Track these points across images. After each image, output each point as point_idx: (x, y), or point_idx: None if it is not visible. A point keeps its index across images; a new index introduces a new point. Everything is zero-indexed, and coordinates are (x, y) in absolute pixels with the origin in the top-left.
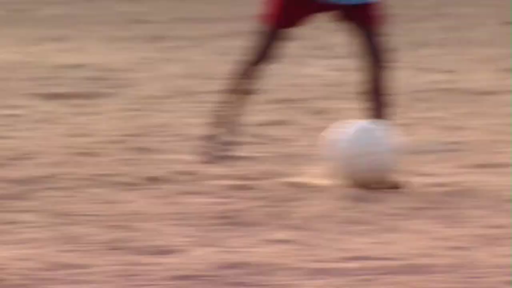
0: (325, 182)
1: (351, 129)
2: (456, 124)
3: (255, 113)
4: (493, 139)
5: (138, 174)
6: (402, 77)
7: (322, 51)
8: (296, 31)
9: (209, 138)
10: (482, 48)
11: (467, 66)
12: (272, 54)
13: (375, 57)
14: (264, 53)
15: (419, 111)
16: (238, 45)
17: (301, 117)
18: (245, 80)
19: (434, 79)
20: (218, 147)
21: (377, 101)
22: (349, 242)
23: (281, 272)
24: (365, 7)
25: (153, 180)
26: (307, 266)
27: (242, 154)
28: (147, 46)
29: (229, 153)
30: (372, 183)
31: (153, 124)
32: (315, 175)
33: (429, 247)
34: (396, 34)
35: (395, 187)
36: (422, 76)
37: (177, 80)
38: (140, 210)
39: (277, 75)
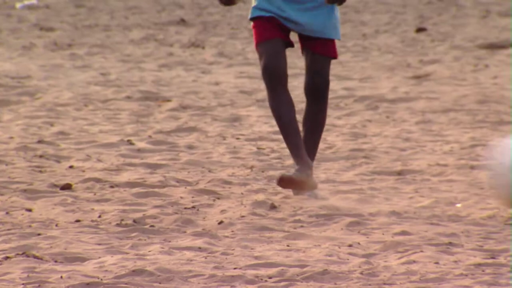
0: (238, 189)
1: None
2: (368, 131)
3: (163, 120)
4: (405, 146)
5: (46, 182)
6: None
7: (231, 59)
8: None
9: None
10: (395, 55)
11: (379, 73)
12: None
13: (317, 92)
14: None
15: (330, 118)
16: (150, 52)
17: (210, 124)
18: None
19: (346, 86)
20: None
21: (312, 133)
22: (260, 249)
23: (192, 279)
24: (324, 41)
25: (61, 187)
26: (219, 273)
27: (152, 161)
28: (57, 54)
29: None
30: None
31: (62, 132)
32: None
33: (340, 254)
34: None
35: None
36: (334, 83)
37: (87, 87)
38: (48, 218)
39: (184, 82)
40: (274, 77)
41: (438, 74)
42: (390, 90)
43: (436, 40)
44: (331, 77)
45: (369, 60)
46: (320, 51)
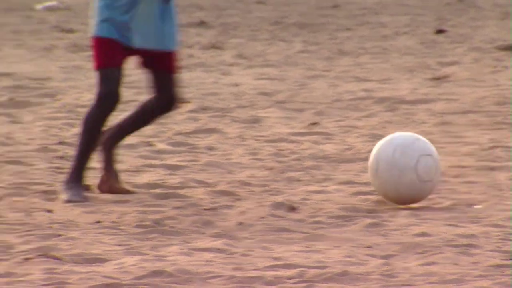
0: (253, 189)
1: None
2: (387, 132)
3: (183, 122)
4: None
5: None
6: (333, 86)
7: (251, 61)
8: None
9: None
10: (414, 57)
11: (399, 75)
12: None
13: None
14: (112, 93)
15: (350, 120)
16: None
17: (229, 125)
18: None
19: (365, 87)
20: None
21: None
22: (279, 250)
23: (211, 280)
24: (166, 54)
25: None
26: (238, 275)
27: (171, 163)
28: (77, 55)
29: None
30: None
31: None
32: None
33: (359, 255)
34: (329, 43)
35: None
36: (354, 85)
37: None
38: (68, 219)
39: (203, 84)
40: (114, 106)
41: (457, 76)
42: (410, 91)
43: (455, 42)
44: (350, 78)
45: (389, 62)
46: (160, 69)
